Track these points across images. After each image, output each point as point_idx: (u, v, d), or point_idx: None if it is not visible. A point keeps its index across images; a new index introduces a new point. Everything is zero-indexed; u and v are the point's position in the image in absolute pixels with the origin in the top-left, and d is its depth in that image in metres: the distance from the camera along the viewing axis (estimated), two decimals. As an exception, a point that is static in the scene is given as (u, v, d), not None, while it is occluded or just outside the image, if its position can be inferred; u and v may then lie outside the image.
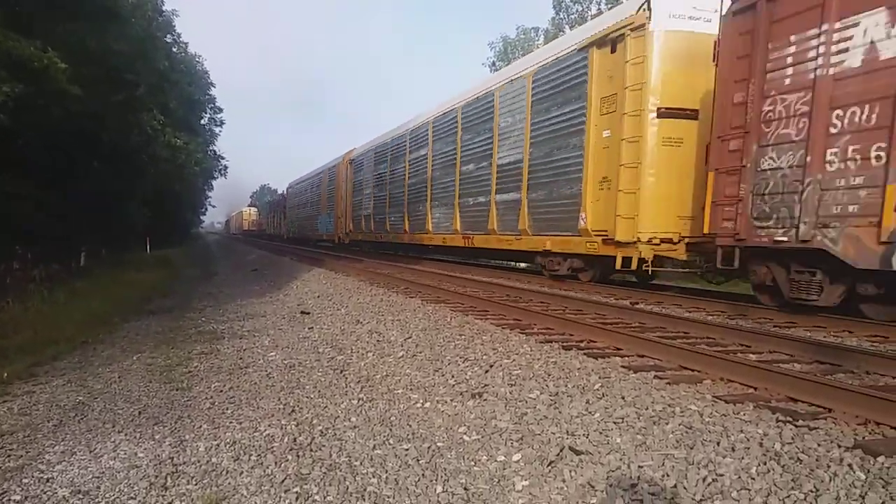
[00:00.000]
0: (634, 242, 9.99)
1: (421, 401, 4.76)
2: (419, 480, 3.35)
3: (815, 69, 7.03)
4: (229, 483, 3.41)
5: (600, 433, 3.71)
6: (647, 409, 4.03)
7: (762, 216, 7.75)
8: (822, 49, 6.97)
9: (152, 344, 7.59)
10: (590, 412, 4.09)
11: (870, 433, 3.55)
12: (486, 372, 5.29)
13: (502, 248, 14.36)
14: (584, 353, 5.72)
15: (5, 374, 5.93)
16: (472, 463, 3.54)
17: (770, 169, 7.66)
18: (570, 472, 3.28)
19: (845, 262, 6.74)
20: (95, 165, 17.98)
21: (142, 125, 19.55)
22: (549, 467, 3.36)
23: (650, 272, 10.65)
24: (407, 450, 3.79)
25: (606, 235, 10.54)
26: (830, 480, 2.89)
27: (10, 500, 3.29)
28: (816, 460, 3.09)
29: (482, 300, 9.40)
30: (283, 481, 3.40)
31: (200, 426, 4.40)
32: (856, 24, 6.64)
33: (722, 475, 3.02)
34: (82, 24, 14.11)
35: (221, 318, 9.54)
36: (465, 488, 3.24)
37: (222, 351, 7.05)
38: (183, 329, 8.67)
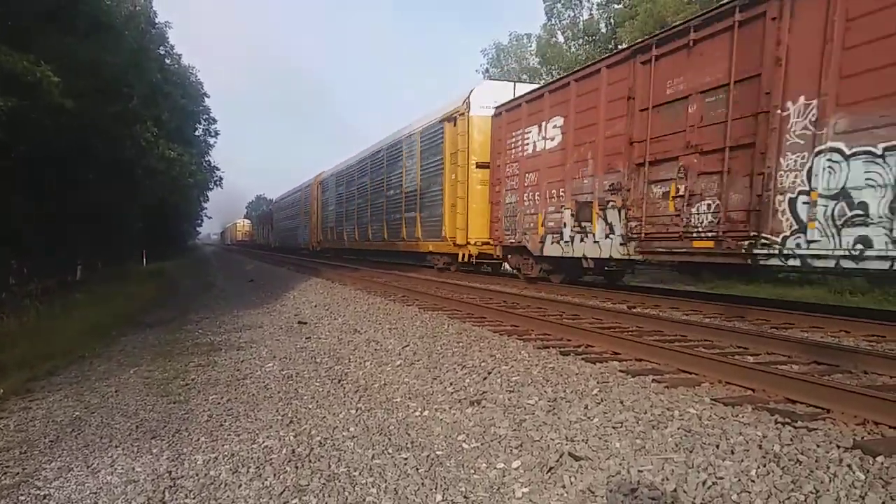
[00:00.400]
0: (467, 244, 15.99)
1: (419, 409, 4.74)
2: (419, 490, 3.33)
3: (519, 151, 13.53)
4: (228, 496, 3.39)
5: (599, 438, 3.70)
6: (645, 413, 4.03)
7: (507, 229, 14.18)
8: (520, 141, 13.45)
9: (149, 357, 7.55)
10: (588, 417, 4.08)
11: (869, 433, 3.55)
12: (485, 379, 5.28)
13: (410, 251, 20.71)
14: (582, 358, 5.73)
15: (1, 391, 5.90)
16: (472, 471, 3.53)
17: (508, 203, 14.13)
18: (570, 478, 3.27)
19: (532, 252, 13.09)
20: (90, 178, 17.95)
21: (135, 137, 19.52)
22: (549, 474, 3.35)
23: (510, 266, 15.51)
24: (406, 459, 3.77)
25: (455, 240, 16.50)
26: (830, 481, 2.89)
27: (6, 517, 3.27)
28: (816, 461, 3.09)
29: (479, 307, 9.40)
30: (281, 493, 3.38)
31: (198, 439, 4.38)
32: (529, 131, 13.08)
33: (722, 478, 3.02)
34: (76, 37, 14.12)
35: (218, 330, 9.51)
36: (464, 497, 3.23)
37: (220, 363, 7.01)
38: (180, 341, 8.63)
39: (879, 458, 3.06)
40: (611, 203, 10.47)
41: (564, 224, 11.79)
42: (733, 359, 5.26)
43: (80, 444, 4.44)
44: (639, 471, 3.22)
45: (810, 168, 7.04)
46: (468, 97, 15.76)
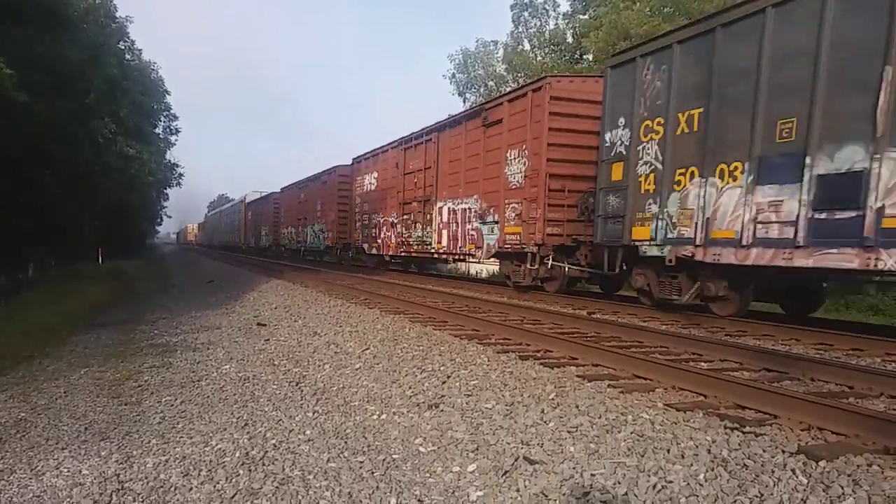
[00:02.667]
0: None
1: (377, 412, 4.72)
2: (373, 493, 3.32)
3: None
4: (177, 499, 3.32)
5: (555, 442, 3.74)
6: (600, 417, 4.08)
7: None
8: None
9: (101, 357, 7.37)
10: (545, 421, 4.12)
11: (813, 439, 3.66)
12: (444, 383, 5.29)
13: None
14: (541, 363, 5.77)
15: (-58, 391, 5.70)
16: (428, 474, 3.53)
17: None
18: (525, 481, 3.29)
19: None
20: (44, 175, 17.41)
21: (92, 134, 19.01)
22: (504, 477, 3.37)
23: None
24: (362, 462, 3.75)
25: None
26: (774, 485, 2.97)
27: (-57, 522, 3.15)
28: (761, 466, 3.17)
29: (441, 311, 9.40)
30: (233, 497, 3.33)
31: (149, 441, 4.28)
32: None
33: (671, 482, 3.08)
34: (29, 29, 13.69)
35: (175, 331, 9.32)
36: (419, 500, 3.23)
37: (175, 364, 6.88)
38: (134, 342, 8.45)
39: (822, 463, 3.15)
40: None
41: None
42: (687, 365, 5.36)
43: (24, 445, 4.31)
44: (592, 475, 3.26)
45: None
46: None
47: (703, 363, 5.86)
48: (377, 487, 3.38)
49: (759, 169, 7.33)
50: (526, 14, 32.68)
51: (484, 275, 22.07)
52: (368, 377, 5.77)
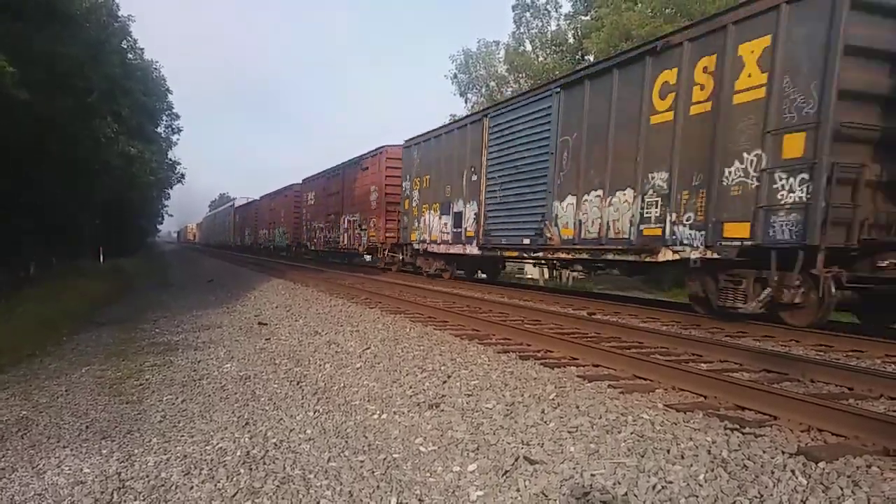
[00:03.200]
0: None
1: (378, 412, 4.73)
2: (374, 492, 3.33)
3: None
4: (178, 498, 3.33)
5: (555, 442, 3.75)
6: (600, 418, 4.09)
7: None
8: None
9: (103, 356, 7.38)
10: (545, 422, 4.13)
11: (812, 440, 3.67)
12: (444, 383, 5.30)
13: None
14: (541, 363, 5.78)
15: (-56, 389, 5.70)
16: (428, 474, 3.54)
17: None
18: (525, 481, 3.30)
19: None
20: (44, 173, 17.40)
21: (94, 133, 18.99)
22: (504, 477, 3.38)
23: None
24: (362, 462, 3.76)
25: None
26: (774, 486, 2.98)
27: (-55, 519, 3.16)
28: (761, 466, 3.18)
29: (442, 311, 9.42)
30: (234, 495, 3.33)
31: (150, 440, 4.29)
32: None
33: (671, 482, 3.09)
34: (30, 26, 13.68)
35: (176, 330, 9.33)
36: (419, 500, 3.23)
37: (176, 363, 6.89)
38: (135, 340, 8.45)
39: (821, 464, 3.16)
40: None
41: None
42: (687, 366, 5.37)
43: (25, 444, 4.31)
44: (592, 475, 3.26)
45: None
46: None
47: (702, 364, 5.86)
48: (377, 487, 3.39)
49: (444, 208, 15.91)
50: (528, 15, 32.72)
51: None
52: (369, 376, 5.78)
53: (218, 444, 4.17)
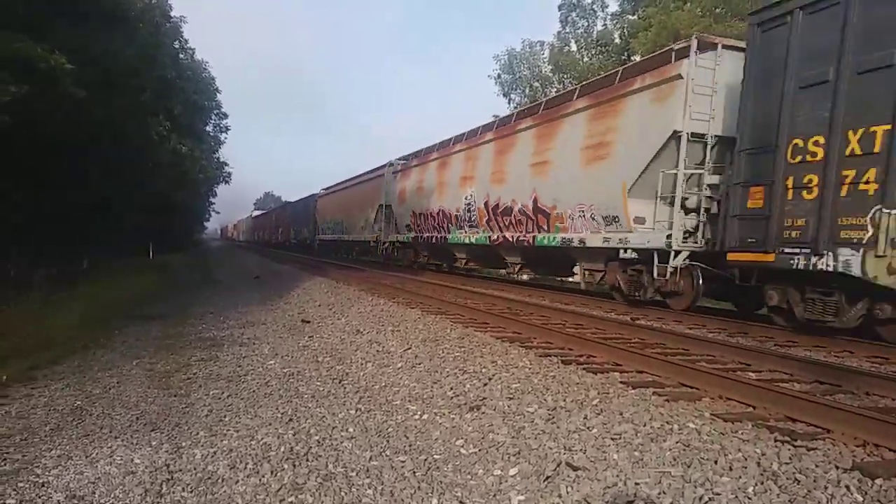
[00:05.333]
0: None
1: (419, 412, 4.75)
2: (415, 493, 3.33)
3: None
4: (224, 491, 3.40)
5: (597, 449, 3.70)
6: (644, 425, 4.02)
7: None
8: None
9: (152, 349, 7.58)
10: (587, 427, 4.08)
11: (868, 455, 3.54)
12: (485, 385, 5.29)
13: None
14: (584, 368, 5.73)
15: (4, 377, 5.93)
16: (469, 476, 3.53)
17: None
18: (567, 487, 3.26)
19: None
20: (99, 170, 18.00)
21: (147, 131, 19.57)
22: (546, 482, 3.35)
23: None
24: (403, 462, 3.77)
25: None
26: (828, 502, 2.89)
27: (4, 503, 3.28)
28: (814, 481, 3.08)
29: (482, 312, 9.40)
30: (278, 490, 3.38)
31: (197, 433, 4.39)
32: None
33: (718, 494, 3.01)
34: (89, 27, 14.16)
35: (222, 325, 9.54)
36: (460, 502, 3.23)
37: (221, 358, 7.03)
38: (183, 335, 8.66)
39: (878, 481, 3.05)
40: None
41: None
42: (735, 375, 5.25)
43: (80, 433, 4.46)
44: (636, 483, 3.21)
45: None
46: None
47: (751, 373, 5.72)
48: (419, 487, 3.40)
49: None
50: (574, 14, 32.42)
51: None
52: (410, 377, 5.80)
53: (262, 439, 4.23)
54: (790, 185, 7.52)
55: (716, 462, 3.37)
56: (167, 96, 22.18)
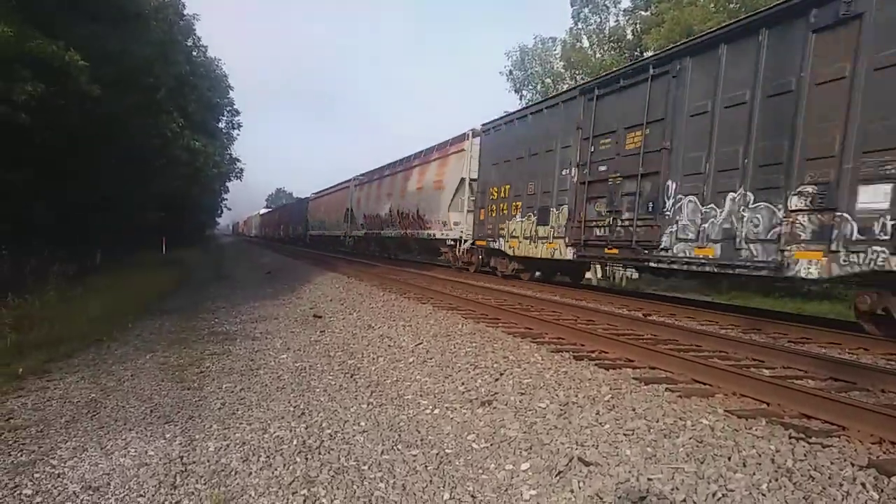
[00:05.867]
0: None
1: (430, 407, 4.75)
2: (426, 487, 3.34)
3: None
4: (238, 483, 3.42)
5: (610, 444, 3.69)
6: (657, 421, 4.01)
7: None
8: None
9: (165, 343, 7.63)
10: (600, 423, 4.07)
11: (884, 453, 3.51)
12: (497, 380, 5.28)
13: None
14: (595, 364, 5.71)
15: (20, 370, 5.99)
16: (480, 471, 3.53)
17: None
18: (579, 482, 3.26)
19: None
20: (113, 166, 18.12)
21: (160, 127, 19.69)
22: (558, 477, 3.34)
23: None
24: (415, 456, 3.78)
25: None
26: (843, 499, 2.86)
27: (21, 494, 3.32)
28: (829, 478, 3.06)
29: (494, 308, 9.39)
30: (290, 483, 3.40)
31: (210, 426, 4.42)
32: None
33: (732, 490, 3.00)
34: (103, 25, 14.26)
35: (234, 320, 9.59)
36: (472, 496, 3.23)
37: (234, 352, 7.07)
38: (196, 329, 8.72)
39: (894, 478, 3.02)
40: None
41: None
42: (748, 371, 5.21)
43: (95, 425, 4.50)
44: (648, 479, 3.20)
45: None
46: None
47: (765, 370, 5.68)
48: (430, 481, 3.40)
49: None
50: (586, 10, 32.24)
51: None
52: (421, 371, 5.81)
53: (275, 432, 4.26)
54: (488, 210, 16.15)
55: (729, 458, 3.35)
56: (181, 93, 22.28)
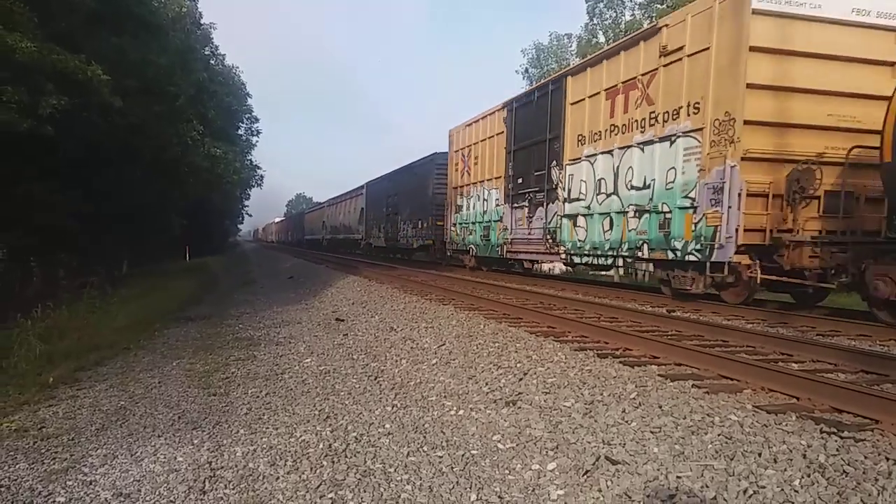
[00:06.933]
0: None
1: (455, 408, 4.74)
2: (453, 488, 3.33)
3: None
4: (266, 488, 3.44)
5: (637, 442, 3.66)
6: (685, 418, 3.96)
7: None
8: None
9: (191, 350, 7.72)
10: (626, 421, 4.04)
11: (920, 446, 3.42)
12: (520, 380, 5.26)
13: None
14: (620, 362, 5.66)
15: (51, 379, 6.10)
16: (507, 471, 3.51)
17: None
18: (607, 481, 3.23)
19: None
20: (136, 176, 18.38)
21: (181, 136, 19.92)
22: (585, 477, 3.32)
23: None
24: (441, 457, 3.78)
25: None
26: (879, 494, 2.80)
27: (54, 501, 3.37)
28: (863, 473, 3.00)
29: (515, 307, 9.36)
30: (318, 487, 3.42)
31: (238, 431, 4.46)
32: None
33: (764, 487, 2.95)
34: (124, 37, 14.47)
35: (258, 325, 9.67)
36: (499, 497, 3.22)
37: (259, 357, 7.13)
38: (221, 335, 8.81)
39: (931, 472, 2.95)
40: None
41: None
42: (777, 365, 5.13)
43: (124, 432, 4.56)
44: (677, 477, 3.16)
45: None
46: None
47: (793, 364, 5.59)
48: (457, 483, 3.40)
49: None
50: (601, 5, 32.02)
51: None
52: (445, 373, 5.81)
53: (301, 436, 4.28)
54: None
55: (760, 454, 3.30)
56: (200, 100, 22.53)
